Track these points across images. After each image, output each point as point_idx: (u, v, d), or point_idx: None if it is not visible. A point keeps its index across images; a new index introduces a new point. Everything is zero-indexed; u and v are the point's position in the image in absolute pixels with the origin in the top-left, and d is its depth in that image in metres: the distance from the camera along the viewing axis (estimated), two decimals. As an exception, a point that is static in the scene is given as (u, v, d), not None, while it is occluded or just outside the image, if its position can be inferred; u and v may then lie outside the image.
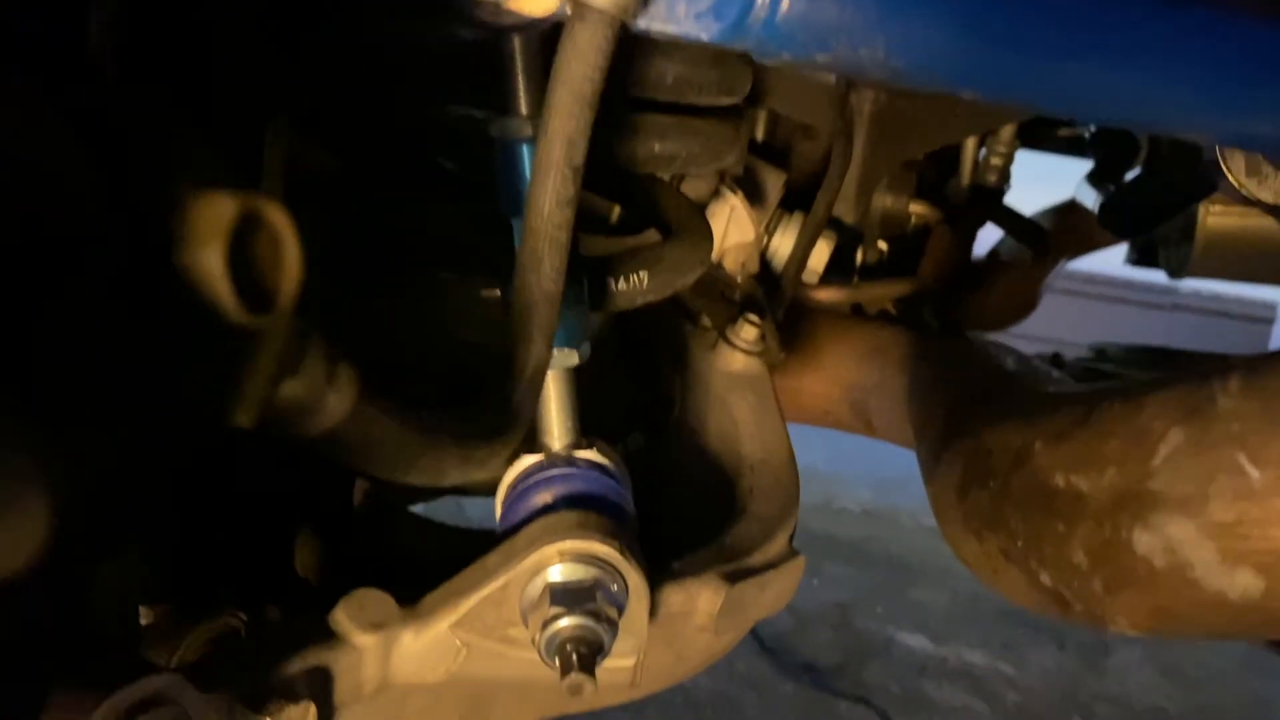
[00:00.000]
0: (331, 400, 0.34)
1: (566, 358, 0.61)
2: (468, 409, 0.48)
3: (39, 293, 0.24)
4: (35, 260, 0.24)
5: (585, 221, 0.56)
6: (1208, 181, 0.82)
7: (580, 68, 0.47)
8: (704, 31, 0.51)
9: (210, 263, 0.26)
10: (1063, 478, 0.62)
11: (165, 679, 0.44)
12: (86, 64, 0.44)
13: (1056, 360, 1.82)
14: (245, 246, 0.26)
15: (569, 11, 0.48)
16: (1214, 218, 1.55)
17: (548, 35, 0.55)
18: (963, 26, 0.49)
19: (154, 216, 0.24)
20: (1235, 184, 0.76)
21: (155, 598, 0.66)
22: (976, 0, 0.49)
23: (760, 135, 1.20)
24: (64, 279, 0.24)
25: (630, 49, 0.64)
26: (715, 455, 0.85)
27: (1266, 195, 0.69)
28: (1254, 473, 0.54)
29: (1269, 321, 3.89)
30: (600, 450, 0.63)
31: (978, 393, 0.83)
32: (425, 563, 0.81)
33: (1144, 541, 0.58)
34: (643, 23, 0.51)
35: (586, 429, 0.67)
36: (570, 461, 0.61)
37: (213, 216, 0.25)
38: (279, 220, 0.27)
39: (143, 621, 0.65)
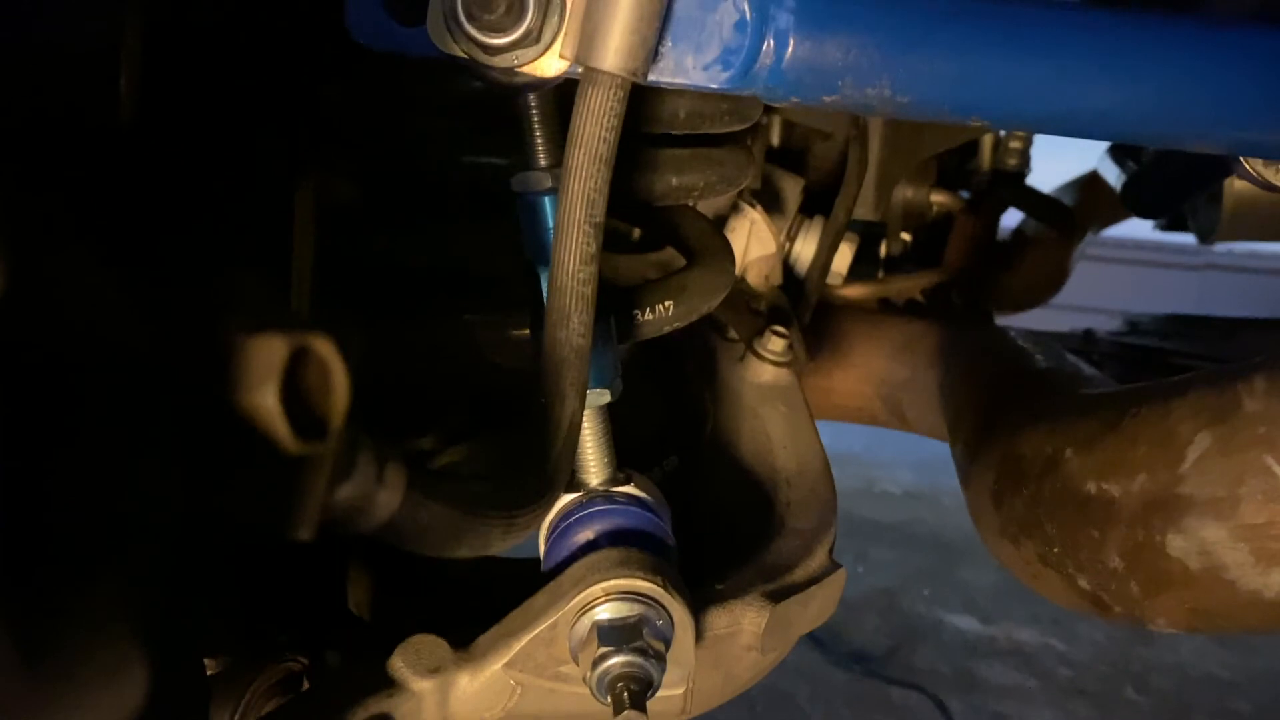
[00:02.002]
0: (382, 497, 0.36)
1: (599, 396, 0.62)
2: (508, 476, 0.50)
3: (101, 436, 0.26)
4: (93, 408, 0.25)
5: (607, 241, 0.57)
6: (1226, 163, 0.82)
7: (594, 129, 0.49)
8: (712, 81, 0.52)
9: (266, 404, 0.27)
10: (1094, 484, 0.63)
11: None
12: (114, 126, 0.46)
13: (1089, 337, 1.82)
14: (295, 376, 0.28)
15: (580, 72, 0.50)
16: (1241, 180, 1.54)
17: (562, 86, 0.56)
18: (965, 63, 0.50)
19: (205, 358, 0.26)
20: (1253, 172, 0.76)
21: (217, 649, 0.68)
22: (977, 36, 0.50)
23: (776, 141, 1.21)
24: (117, 425, 0.26)
25: (643, 92, 0.65)
26: (750, 470, 0.87)
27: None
28: (1283, 474, 0.55)
29: (1306, 275, 3.83)
30: (638, 483, 0.65)
31: (1008, 393, 0.84)
32: (473, 591, 0.83)
33: (1178, 545, 0.59)
34: (652, 76, 0.52)
35: (621, 452, 0.68)
36: (609, 497, 0.62)
37: (265, 358, 0.27)
38: (327, 351, 0.29)
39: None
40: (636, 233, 1.01)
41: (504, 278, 0.76)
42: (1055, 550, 0.66)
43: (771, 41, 0.51)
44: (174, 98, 0.57)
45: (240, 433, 0.27)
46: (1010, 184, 1.55)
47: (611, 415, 0.67)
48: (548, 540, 0.63)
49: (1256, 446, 0.56)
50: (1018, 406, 0.77)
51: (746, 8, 0.51)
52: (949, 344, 1.14)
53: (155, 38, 0.46)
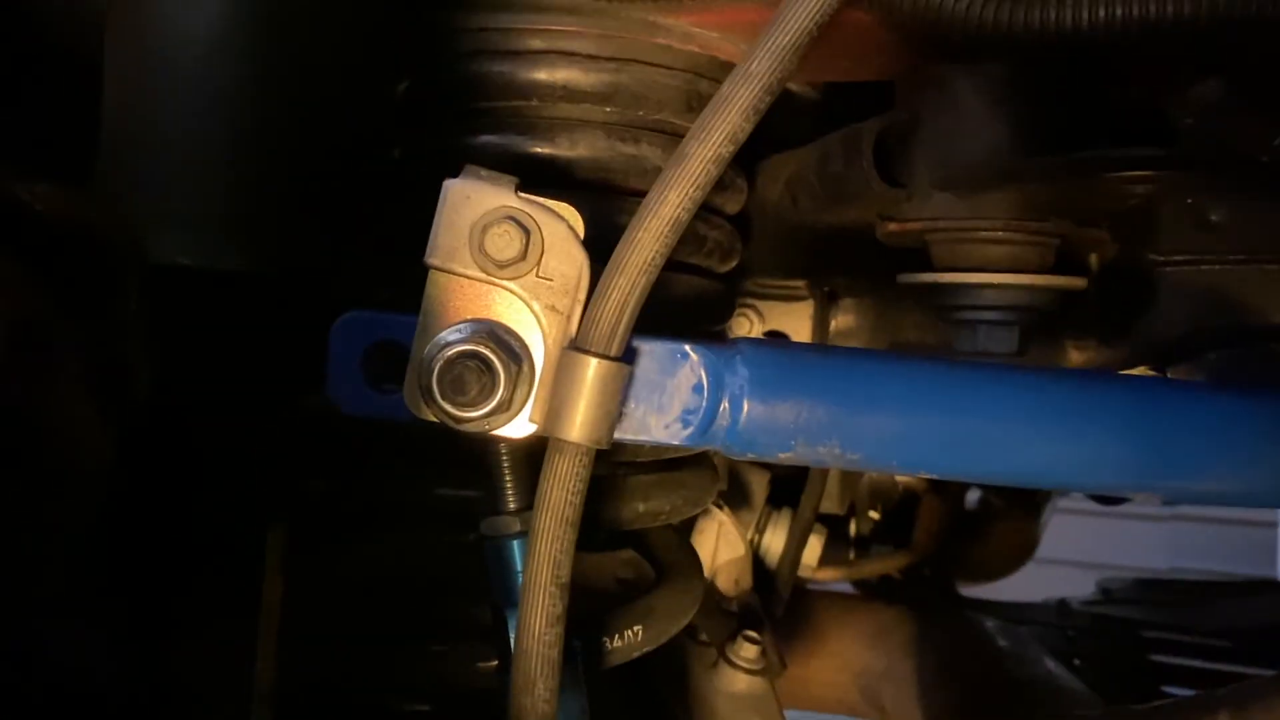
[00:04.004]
0: None
1: (567, 743, 0.61)
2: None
3: None
4: None
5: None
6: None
7: (561, 493, 0.51)
8: (673, 438, 0.55)
9: None
10: (1072, 823, 0.62)
11: None
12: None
13: (1063, 609, 1.81)
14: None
15: (548, 439, 0.52)
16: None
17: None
18: (909, 425, 0.54)
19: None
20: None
21: None
22: (919, 401, 0.54)
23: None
24: None
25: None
26: (725, 791, 0.84)
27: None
28: (1260, 823, 0.54)
29: (1273, 526, 3.86)
30: (607, 832, 0.63)
31: (983, 705, 0.83)
32: None
33: None
34: (617, 434, 0.55)
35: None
36: None
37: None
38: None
39: None
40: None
41: (475, 593, 0.77)
42: None
43: (727, 404, 0.55)
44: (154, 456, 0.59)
45: None
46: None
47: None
48: None
49: (1229, 791, 0.56)
50: (992, 726, 0.76)
51: (703, 373, 0.55)
52: (924, 637, 1.14)
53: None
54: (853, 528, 1.50)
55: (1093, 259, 0.75)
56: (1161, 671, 1.62)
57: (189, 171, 0.61)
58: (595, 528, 0.76)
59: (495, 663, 0.69)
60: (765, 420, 0.54)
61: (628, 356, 0.52)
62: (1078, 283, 0.69)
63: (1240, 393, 0.56)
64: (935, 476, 0.56)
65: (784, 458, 0.55)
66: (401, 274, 0.56)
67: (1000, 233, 0.66)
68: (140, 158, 0.60)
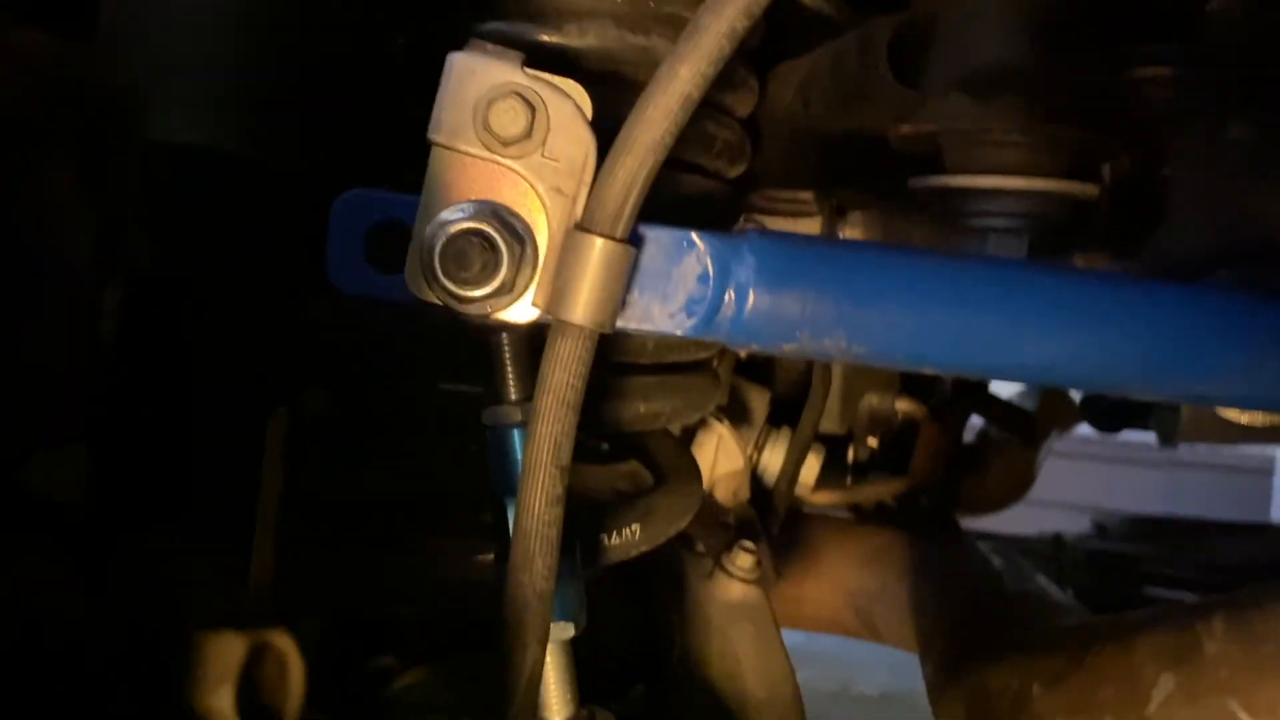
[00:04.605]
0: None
1: (562, 630, 0.62)
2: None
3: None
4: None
5: (576, 452, 0.57)
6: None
7: (563, 375, 0.51)
8: (677, 328, 0.55)
9: (221, 708, 0.28)
10: (1063, 723, 0.62)
11: None
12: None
13: (1058, 543, 1.82)
14: (252, 670, 0.28)
15: (550, 321, 0.52)
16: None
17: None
18: (916, 318, 0.53)
19: (165, 658, 0.26)
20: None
21: None
22: (927, 293, 0.53)
23: (743, 353, 1.25)
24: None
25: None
26: (719, 695, 0.85)
27: (1243, 419, 0.71)
28: (1248, 721, 0.55)
29: (1268, 473, 3.89)
30: (600, 720, 0.63)
31: (977, 620, 0.84)
32: None
33: (1150, 791, 0.58)
34: (620, 323, 0.54)
35: (586, 675, 0.66)
36: (571, 740, 0.61)
37: (223, 658, 0.27)
38: (285, 646, 0.29)
39: None
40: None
41: (472, 496, 0.77)
42: (1028, 791, 0.64)
43: (733, 294, 0.54)
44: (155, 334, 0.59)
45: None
46: (973, 392, 1.59)
47: (575, 656, 0.66)
48: (507, 782, 0.61)
49: (1220, 691, 0.56)
50: (986, 636, 0.77)
51: (709, 262, 0.54)
52: (919, 558, 1.14)
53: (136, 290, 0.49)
54: (851, 454, 1.51)
55: (1106, 170, 0.74)
56: (1155, 605, 1.64)
57: (191, 47, 0.60)
58: (596, 432, 0.76)
59: (492, 556, 0.70)
60: (771, 311, 0.54)
61: (633, 242, 0.52)
62: (1090, 189, 0.68)
63: (1251, 296, 0.55)
64: (941, 371, 0.55)
65: (788, 349, 0.55)
66: (406, 162, 0.55)
67: (1014, 134, 0.65)
68: (141, 29, 0.59)
